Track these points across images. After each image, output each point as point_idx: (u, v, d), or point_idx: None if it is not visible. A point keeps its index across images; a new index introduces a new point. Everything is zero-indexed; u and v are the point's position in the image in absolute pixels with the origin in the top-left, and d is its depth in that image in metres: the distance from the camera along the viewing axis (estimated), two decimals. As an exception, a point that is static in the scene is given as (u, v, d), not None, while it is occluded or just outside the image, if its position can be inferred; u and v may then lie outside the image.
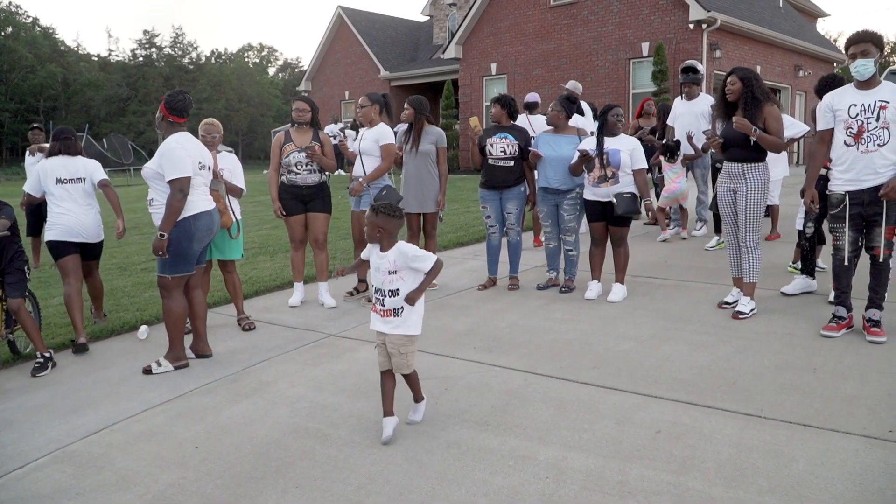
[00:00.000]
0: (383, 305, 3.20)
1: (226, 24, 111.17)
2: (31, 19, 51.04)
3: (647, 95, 14.10)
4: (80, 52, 54.39)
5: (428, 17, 28.64)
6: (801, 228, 5.39)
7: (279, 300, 5.98)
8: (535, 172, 5.84)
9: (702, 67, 8.21)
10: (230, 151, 5.60)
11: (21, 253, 4.54)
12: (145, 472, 2.97)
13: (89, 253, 5.15)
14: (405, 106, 5.87)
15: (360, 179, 5.60)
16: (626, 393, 3.57)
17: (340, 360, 4.31)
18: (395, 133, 5.95)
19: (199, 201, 4.26)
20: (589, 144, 5.48)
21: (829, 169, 4.49)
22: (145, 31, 60.61)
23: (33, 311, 4.77)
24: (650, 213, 5.60)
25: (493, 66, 20.45)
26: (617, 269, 5.55)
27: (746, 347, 4.19)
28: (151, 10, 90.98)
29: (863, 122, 4.12)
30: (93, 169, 5.08)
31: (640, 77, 17.48)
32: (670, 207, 8.11)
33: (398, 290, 3.17)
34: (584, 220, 5.78)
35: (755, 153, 4.75)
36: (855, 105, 4.15)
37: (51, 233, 4.88)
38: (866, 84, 4.16)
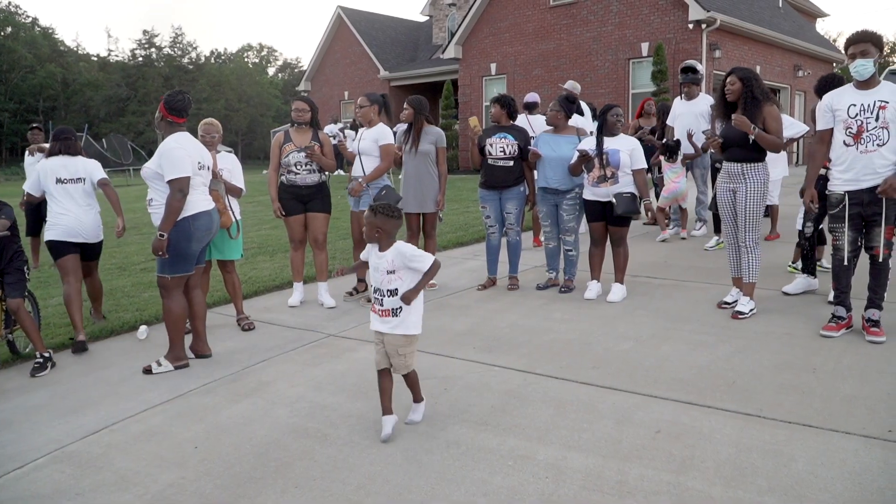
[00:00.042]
0: (382, 305, 3.21)
1: (225, 24, 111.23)
2: (30, 19, 51.03)
3: (647, 95, 14.09)
4: (79, 52, 54.36)
5: (427, 18, 28.65)
6: (801, 228, 5.40)
7: (279, 300, 5.98)
8: (535, 172, 5.85)
9: (701, 67, 8.21)
10: (229, 151, 5.60)
11: (20, 253, 4.54)
12: (145, 473, 2.97)
13: (89, 253, 5.15)
14: (405, 106, 5.87)
15: (360, 179, 5.60)
16: (626, 393, 3.57)
17: (340, 360, 4.31)
18: (395, 133, 5.95)
19: (199, 201, 4.26)
20: (588, 144, 5.48)
21: (828, 169, 4.49)
22: (145, 31, 60.58)
23: (33, 312, 4.77)
24: (649, 213, 5.61)
25: (493, 66, 20.45)
26: (616, 269, 5.56)
27: (746, 347, 4.19)
28: (151, 10, 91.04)
29: (862, 122, 4.12)
30: (92, 169, 5.09)
31: (639, 77, 17.48)
32: (670, 207, 8.11)
33: (396, 289, 3.17)
34: (584, 220, 5.78)
35: (755, 153, 4.75)
36: (854, 105, 4.15)
37: (51, 233, 4.88)
38: (866, 84, 4.16)
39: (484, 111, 20.15)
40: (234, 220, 5.02)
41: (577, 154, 5.40)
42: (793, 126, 6.85)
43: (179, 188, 4.08)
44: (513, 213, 5.87)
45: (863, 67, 4.12)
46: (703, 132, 6.76)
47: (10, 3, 48.53)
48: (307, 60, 33.05)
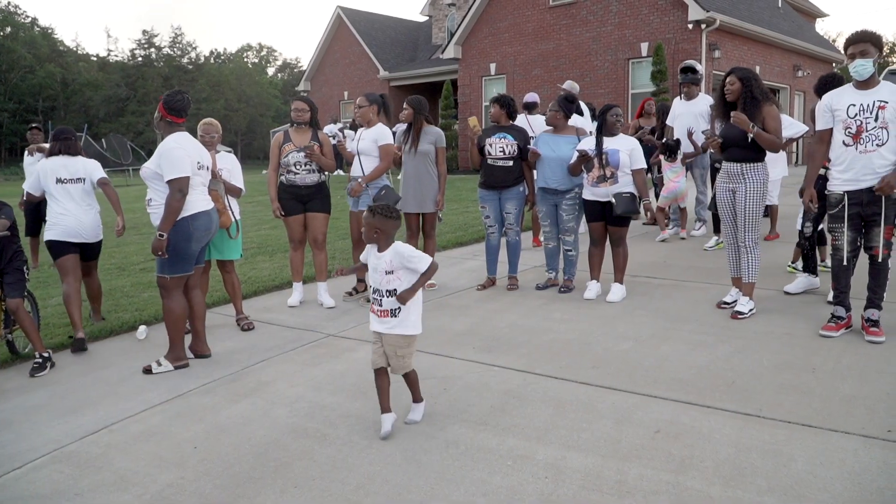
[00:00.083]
0: (381, 306, 3.22)
1: (225, 24, 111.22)
2: (29, 19, 51.01)
3: (647, 95, 14.10)
4: (78, 52, 54.36)
5: (427, 18, 28.64)
6: (800, 228, 5.40)
7: (278, 300, 5.98)
8: (535, 172, 5.85)
9: (701, 67, 8.21)
10: (229, 151, 5.60)
11: (20, 253, 4.54)
12: (144, 473, 2.97)
13: (88, 253, 5.16)
14: (404, 106, 5.87)
15: (360, 180, 5.60)
16: (625, 393, 3.57)
17: (339, 360, 4.31)
18: (394, 133, 5.94)
19: (198, 201, 4.26)
20: (588, 144, 5.48)
21: (827, 168, 4.49)
22: (144, 31, 60.46)
23: (32, 312, 4.76)
24: (649, 213, 5.61)
25: (493, 66, 20.46)
26: (616, 269, 5.56)
27: (745, 347, 4.19)
28: (151, 10, 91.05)
29: (861, 122, 4.12)
30: (92, 168, 5.10)
31: (639, 77, 17.49)
32: (669, 207, 8.12)
33: (395, 290, 3.18)
34: (584, 220, 5.78)
35: (754, 153, 4.75)
36: (854, 105, 4.15)
37: (51, 233, 4.89)
38: (865, 84, 4.16)
39: (483, 111, 20.15)
40: (233, 220, 5.02)
41: (576, 154, 5.40)
42: (792, 126, 6.85)
43: (179, 188, 4.08)
44: (512, 213, 5.87)
45: (862, 67, 4.12)
46: (703, 132, 6.76)
47: (9, 3, 48.56)
48: (307, 60, 33.07)
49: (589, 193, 5.53)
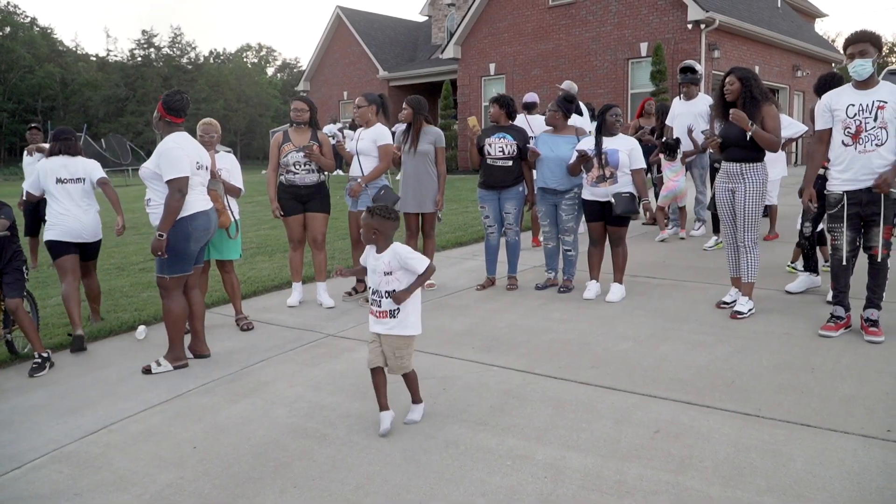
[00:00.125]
0: (380, 307, 3.22)
1: (224, 24, 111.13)
2: (29, 19, 50.97)
3: (646, 95, 14.10)
4: (78, 52, 54.33)
5: (426, 18, 28.63)
6: (800, 228, 5.40)
7: (277, 300, 5.97)
8: (534, 172, 5.85)
9: (700, 67, 8.22)
10: (228, 151, 5.60)
11: (19, 253, 4.54)
12: (143, 473, 2.97)
13: (87, 253, 5.16)
14: (404, 106, 5.87)
15: (359, 180, 5.60)
16: (625, 392, 3.57)
17: (339, 360, 4.31)
18: (394, 133, 5.94)
19: (197, 201, 4.26)
20: (587, 144, 5.48)
21: (827, 168, 4.50)
22: (144, 31, 60.40)
23: (31, 312, 4.76)
24: (648, 213, 5.61)
25: (492, 67, 20.45)
26: (615, 269, 5.56)
27: (744, 347, 4.19)
28: (150, 10, 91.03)
29: (861, 122, 4.12)
30: (92, 168, 5.11)
31: (638, 77, 17.49)
32: (669, 207, 8.12)
33: (394, 291, 3.18)
34: (583, 220, 5.79)
35: (753, 153, 4.75)
36: (853, 105, 4.15)
37: (51, 233, 4.89)
38: (864, 84, 4.17)
39: (483, 111, 20.14)
40: (232, 219, 5.02)
41: (575, 154, 5.40)
42: (792, 126, 6.86)
43: (178, 188, 4.08)
44: (512, 213, 5.87)
45: (861, 67, 4.12)
46: (703, 132, 6.76)
47: (8, 3, 48.54)
48: (306, 60, 33.05)
49: (588, 193, 5.53)
